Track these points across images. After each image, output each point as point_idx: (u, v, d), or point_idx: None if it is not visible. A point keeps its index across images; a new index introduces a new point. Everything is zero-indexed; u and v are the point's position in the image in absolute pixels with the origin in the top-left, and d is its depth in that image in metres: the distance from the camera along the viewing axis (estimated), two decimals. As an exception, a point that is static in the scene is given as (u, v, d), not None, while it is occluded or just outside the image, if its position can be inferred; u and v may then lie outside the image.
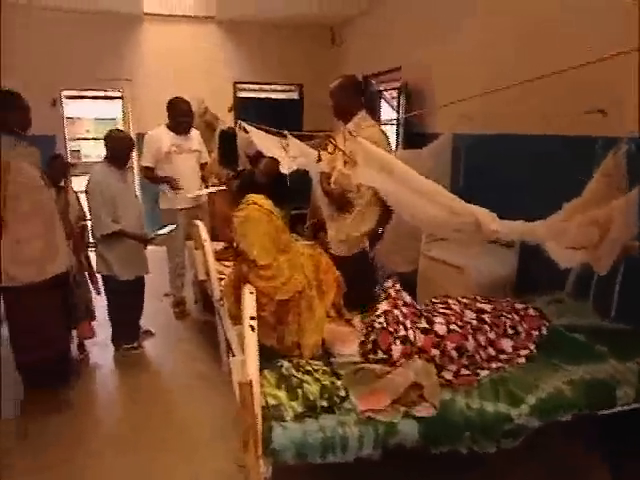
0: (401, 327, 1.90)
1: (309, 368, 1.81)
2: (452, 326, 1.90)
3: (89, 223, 3.36)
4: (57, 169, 3.23)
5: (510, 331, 2.06)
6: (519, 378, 1.87)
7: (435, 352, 1.89)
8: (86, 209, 3.29)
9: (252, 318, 1.65)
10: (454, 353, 1.84)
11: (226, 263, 3.42)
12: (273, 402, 1.63)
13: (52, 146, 5.51)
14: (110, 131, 3.33)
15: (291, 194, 4.06)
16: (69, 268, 2.75)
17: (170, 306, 4.13)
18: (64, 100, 5.84)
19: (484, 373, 1.90)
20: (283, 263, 1.91)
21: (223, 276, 3.15)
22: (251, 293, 1.80)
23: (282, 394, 1.66)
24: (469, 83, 3.71)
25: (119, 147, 3.20)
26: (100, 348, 3.46)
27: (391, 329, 1.91)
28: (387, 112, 5.50)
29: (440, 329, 1.94)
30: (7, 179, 2.37)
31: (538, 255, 2.18)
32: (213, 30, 6.20)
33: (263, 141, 3.76)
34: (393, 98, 5.04)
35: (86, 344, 3.40)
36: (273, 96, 6.70)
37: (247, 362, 1.54)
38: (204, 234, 3.16)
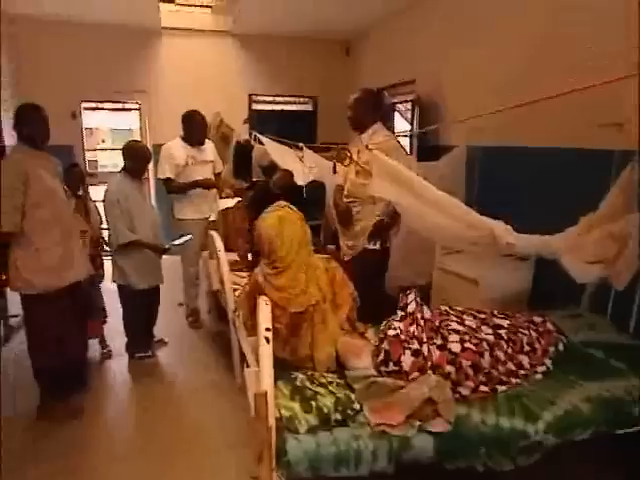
0: (415, 341, 1.89)
1: (323, 380, 1.82)
2: (467, 344, 1.88)
3: (105, 232, 3.42)
4: (74, 178, 3.33)
5: (527, 348, 2.04)
6: (535, 394, 1.84)
7: (450, 369, 1.87)
8: (103, 218, 3.36)
9: (267, 329, 1.66)
10: (470, 370, 1.82)
11: (239, 274, 3.45)
12: (287, 414, 1.63)
13: (70, 156, 5.63)
14: (128, 142, 3.41)
15: (306, 205, 4.09)
16: (87, 276, 2.80)
17: (184, 316, 4.16)
18: (83, 112, 5.98)
19: (502, 388, 1.88)
20: (301, 275, 1.92)
21: (237, 286, 3.18)
22: (266, 304, 1.81)
23: (296, 406, 1.66)
24: (482, 95, 3.73)
25: (137, 158, 3.27)
26: (114, 356, 3.50)
27: (403, 338, 1.90)
28: (401, 124, 5.51)
29: (454, 347, 1.91)
30: (27, 189, 2.42)
31: (554, 269, 2.17)
32: (229, 44, 6.31)
33: (278, 153, 3.80)
34: (407, 110, 5.06)
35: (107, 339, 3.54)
36: (287, 108, 6.76)
37: (262, 373, 1.54)
38: (219, 244, 3.20)
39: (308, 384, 1.78)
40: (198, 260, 4.04)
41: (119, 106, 6.42)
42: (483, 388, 1.84)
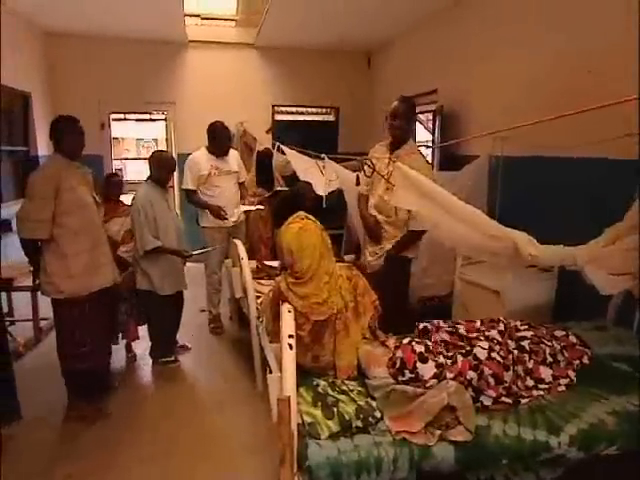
0: (436, 354, 1.89)
1: (345, 388, 1.84)
2: (494, 354, 1.88)
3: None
4: (114, 186, 3.60)
5: (549, 359, 2.02)
6: (558, 406, 1.83)
7: (472, 374, 1.86)
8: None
9: (290, 337, 1.69)
10: (491, 379, 1.82)
11: (261, 282, 3.51)
12: (309, 420, 1.65)
13: (100, 165, 5.83)
14: (154, 152, 3.54)
15: (326, 215, 4.13)
16: (115, 282, 2.88)
17: (207, 322, 4.23)
18: (111, 122, 6.18)
19: (524, 401, 1.87)
20: (323, 284, 1.95)
21: (259, 294, 3.23)
22: (289, 312, 1.85)
23: (318, 412, 1.68)
24: (504, 105, 3.73)
25: (162, 167, 3.37)
26: (138, 361, 3.59)
27: (416, 347, 1.91)
28: (422, 134, 5.53)
29: (480, 353, 1.91)
30: (57, 198, 2.52)
31: (578, 280, 2.15)
32: (253, 56, 6.44)
33: (300, 163, 3.86)
34: (429, 120, 5.08)
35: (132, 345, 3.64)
36: (310, 118, 6.86)
37: (285, 379, 1.58)
38: (242, 252, 3.26)
39: (330, 391, 1.81)
40: (221, 267, 4.12)
41: (146, 117, 6.60)
42: (505, 399, 1.83)
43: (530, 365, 1.99)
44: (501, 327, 2.14)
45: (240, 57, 6.41)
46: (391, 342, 2.05)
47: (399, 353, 1.90)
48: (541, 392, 1.92)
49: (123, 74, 5.96)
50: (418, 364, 1.85)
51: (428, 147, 5.07)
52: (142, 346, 3.64)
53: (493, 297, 3.19)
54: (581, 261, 2.06)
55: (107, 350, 3.00)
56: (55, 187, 2.51)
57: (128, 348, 3.65)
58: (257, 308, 3.00)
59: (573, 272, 2.13)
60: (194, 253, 3.54)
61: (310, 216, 2.05)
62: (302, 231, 1.97)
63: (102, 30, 5.61)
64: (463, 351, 1.94)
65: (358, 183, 2.78)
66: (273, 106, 6.59)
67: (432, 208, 1.97)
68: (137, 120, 6.85)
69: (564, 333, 2.23)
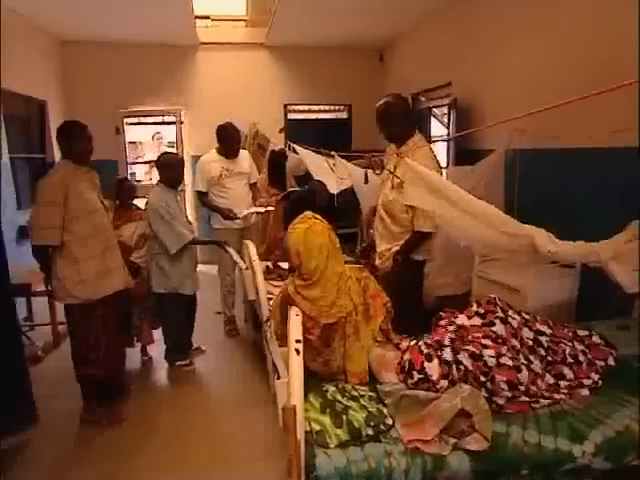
0: (440, 350, 1.81)
1: (355, 394, 1.77)
2: (503, 359, 1.78)
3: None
4: (126, 191, 3.59)
5: (569, 359, 1.92)
6: (582, 412, 1.72)
7: (484, 378, 1.78)
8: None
9: (298, 341, 1.64)
10: (504, 386, 1.73)
11: (274, 283, 3.46)
12: (317, 428, 1.60)
13: (114, 170, 5.88)
14: (160, 155, 3.52)
15: (338, 213, 4.06)
16: (127, 286, 2.88)
17: (222, 324, 4.21)
18: (125, 127, 6.24)
19: (544, 402, 1.77)
20: (332, 286, 1.89)
21: (272, 296, 3.19)
22: (297, 315, 1.80)
23: (326, 420, 1.62)
24: (521, 96, 3.61)
25: (170, 169, 3.36)
26: (154, 364, 3.59)
27: (425, 347, 1.83)
28: (437, 128, 5.42)
29: (490, 361, 1.81)
30: (67, 204, 2.53)
31: (601, 277, 2.04)
32: (264, 55, 6.41)
33: (312, 163, 3.80)
34: (443, 115, 4.96)
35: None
36: (322, 117, 6.81)
37: (291, 386, 1.52)
38: (253, 254, 3.22)
39: (339, 397, 1.74)
40: (234, 269, 4.09)
41: (159, 119, 6.63)
42: (523, 398, 1.74)
43: (548, 359, 1.89)
44: (499, 313, 2.02)
45: (251, 57, 6.39)
46: (404, 344, 1.97)
47: (407, 355, 1.83)
48: (562, 395, 1.82)
49: (136, 78, 6.00)
50: (426, 364, 1.76)
51: (437, 141, 4.96)
52: (157, 349, 3.64)
53: (513, 295, 3.08)
54: (605, 257, 1.96)
55: (121, 354, 3.01)
56: (64, 193, 2.52)
57: (143, 351, 3.66)
58: (269, 310, 2.96)
59: (596, 269, 2.03)
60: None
61: (317, 216, 1.99)
62: (309, 231, 1.91)
63: (114, 36, 5.68)
64: (470, 351, 1.84)
65: (367, 181, 2.70)
66: (285, 105, 6.56)
67: (444, 205, 1.88)
68: (152, 124, 6.88)
69: (587, 333, 2.12)
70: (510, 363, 1.76)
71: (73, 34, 5.61)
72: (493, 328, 1.91)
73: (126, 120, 6.18)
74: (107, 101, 5.89)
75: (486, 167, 3.68)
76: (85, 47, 5.85)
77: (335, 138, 5.93)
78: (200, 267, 3.58)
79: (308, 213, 2.00)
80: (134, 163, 6.74)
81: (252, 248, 3.31)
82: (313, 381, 1.88)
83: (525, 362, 1.80)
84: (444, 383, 1.72)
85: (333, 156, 3.17)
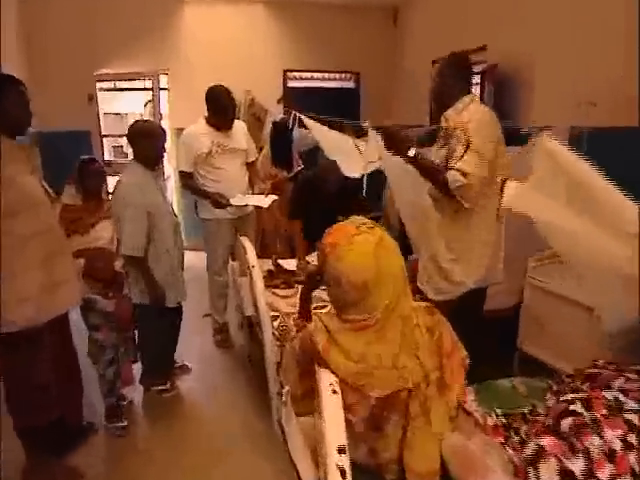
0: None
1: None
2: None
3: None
4: (92, 177, 2.50)
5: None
6: None
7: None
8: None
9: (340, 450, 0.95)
10: None
11: (280, 292, 2.77)
12: None
13: (87, 143, 5.07)
14: (134, 123, 2.66)
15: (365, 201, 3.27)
16: (77, 305, 2.15)
17: (211, 332, 3.52)
18: (104, 95, 5.37)
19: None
20: (394, 336, 1.18)
21: (275, 313, 2.50)
22: (335, 392, 1.10)
23: None
24: (586, 62, 2.93)
25: (147, 142, 2.54)
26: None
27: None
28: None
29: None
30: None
31: None
32: (260, 13, 5.59)
33: (327, 139, 3.03)
34: (475, 85, 4.22)
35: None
36: (327, 85, 6.06)
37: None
38: (252, 256, 2.51)
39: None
40: (226, 268, 3.38)
41: (139, 85, 5.78)
42: None
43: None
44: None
45: (246, 14, 5.54)
46: (490, 421, 1.29)
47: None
48: None
49: (111, 37, 5.12)
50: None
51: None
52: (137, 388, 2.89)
53: (581, 313, 2.45)
54: None
55: (76, 389, 2.31)
56: None
57: (120, 397, 2.68)
58: (274, 333, 2.27)
59: None
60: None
61: (370, 221, 1.26)
62: (381, 249, 1.19)
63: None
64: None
65: (415, 159, 1.98)
66: (285, 71, 5.77)
67: (569, 215, 1.18)
68: (128, 90, 6.03)
69: None
70: None
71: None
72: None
73: (99, 85, 5.31)
74: (77, 65, 5.01)
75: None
76: (49, 2, 4.95)
77: (340, 110, 5.16)
78: (186, 260, 2.84)
79: (357, 217, 1.27)
80: (107, 136, 5.86)
81: (250, 248, 2.60)
82: (353, 477, 1.19)
83: None
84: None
85: (364, 132, 2.43)
